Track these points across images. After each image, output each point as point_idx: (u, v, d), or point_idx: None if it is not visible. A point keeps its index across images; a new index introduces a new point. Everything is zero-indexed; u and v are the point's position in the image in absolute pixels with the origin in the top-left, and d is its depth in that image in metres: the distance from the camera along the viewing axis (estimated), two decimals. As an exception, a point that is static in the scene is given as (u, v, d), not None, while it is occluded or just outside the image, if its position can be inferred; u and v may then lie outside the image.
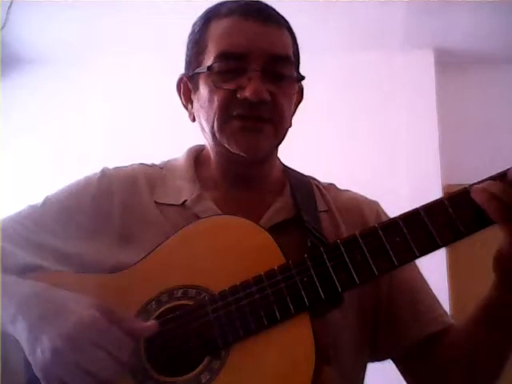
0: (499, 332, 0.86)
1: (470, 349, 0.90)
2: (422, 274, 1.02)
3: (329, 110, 3.09)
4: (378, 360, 1.01)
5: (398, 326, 0.96)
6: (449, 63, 3.19)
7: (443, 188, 2.88)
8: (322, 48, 3.06)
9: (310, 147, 2.96)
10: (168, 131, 2.82)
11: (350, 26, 3.04)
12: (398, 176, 2.93)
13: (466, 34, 3.10)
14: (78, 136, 3.17)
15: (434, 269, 2.72)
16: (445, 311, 0.99)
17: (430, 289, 1.01)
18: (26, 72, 3.28)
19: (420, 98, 3.11)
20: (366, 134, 3.08)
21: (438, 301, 1.00)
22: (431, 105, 3.10)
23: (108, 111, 3.20)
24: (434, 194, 2.60)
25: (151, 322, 0.81)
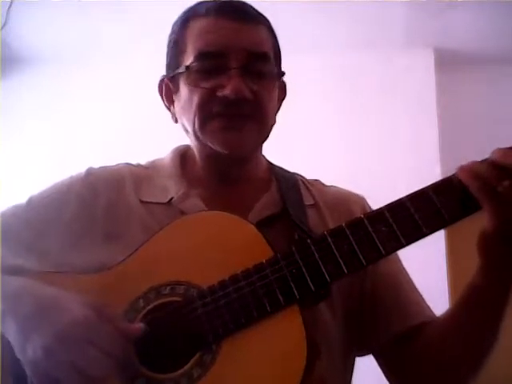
0: (481, 321, 0.85)
1: (451, 340, 0.89)
2: (405, 269, 1.03)
3: (328, 109, 3.09)
4: (361, 355, 1.01)
5: (381, 319, 0.96)
6: (449, 63, 3.19)
7: (443, 188, 2.87)
8: (322, 47, 3.06)
9: (309, 147, 2.95)
10: (168, 130, 2.81)
11: (350, 26, 3.03)
12: (398, 175, 2.93)
13: (466, 34, 3.10)
14: (77, 135, 3.17)
15: (433, 267, 2.72)
16: (427, 305, 1.00)
17: (412, 283, 1.02)
18: (26, 72, 3.27)
19: (420, 98, 3.11)
20: (365, 134, 3.08)
21: (420, 295, 1.01)
22: (431, 105, 3.10)
23: (108, 111, 3.20)
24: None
25: (138, 325, 0.81)
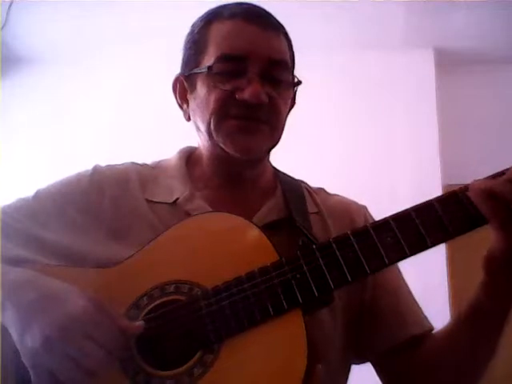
0: (481, 336, 0.86)
1: (450, 353, 0.90)
2: (404, 280, 1.03)
3: (328, 109, 3.09)
4: (358, 363, 1.02)
5: (380, 328, 0.97)
6: (449, 63, 3.20)
7: (443, 188, 2.87)
8: (322, 47, 3.06)
9: (309, 147, 2.95)
10: (168, 130, 2.82)
11: (350, 26, 3.04)
12: (398, 176, 2.93)
13: (466, 34, 3.10)
14: (77, 135, 3.17)
15: (433, 268, 2.72)
16: (425, 316, 1.00)
17: (411, 294, 1.03)
18: (25, 72, 3.28)
19: (420, 98, 3.11)
20: (365, 134, 3.08)
21: (419, 306, 1.01)
22: (431, 105, 3.10)
23: (107, 110, 3.20)
24: (434, 194, 2.58)
25: (138, 323, 0.81)
